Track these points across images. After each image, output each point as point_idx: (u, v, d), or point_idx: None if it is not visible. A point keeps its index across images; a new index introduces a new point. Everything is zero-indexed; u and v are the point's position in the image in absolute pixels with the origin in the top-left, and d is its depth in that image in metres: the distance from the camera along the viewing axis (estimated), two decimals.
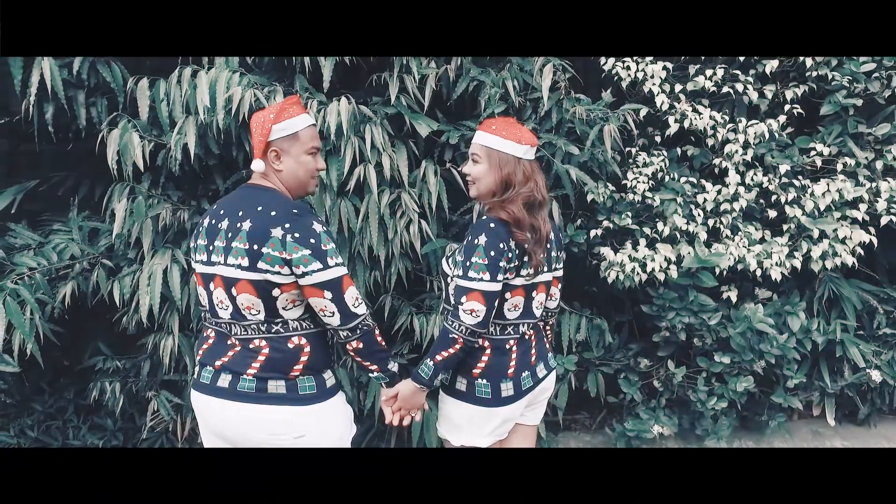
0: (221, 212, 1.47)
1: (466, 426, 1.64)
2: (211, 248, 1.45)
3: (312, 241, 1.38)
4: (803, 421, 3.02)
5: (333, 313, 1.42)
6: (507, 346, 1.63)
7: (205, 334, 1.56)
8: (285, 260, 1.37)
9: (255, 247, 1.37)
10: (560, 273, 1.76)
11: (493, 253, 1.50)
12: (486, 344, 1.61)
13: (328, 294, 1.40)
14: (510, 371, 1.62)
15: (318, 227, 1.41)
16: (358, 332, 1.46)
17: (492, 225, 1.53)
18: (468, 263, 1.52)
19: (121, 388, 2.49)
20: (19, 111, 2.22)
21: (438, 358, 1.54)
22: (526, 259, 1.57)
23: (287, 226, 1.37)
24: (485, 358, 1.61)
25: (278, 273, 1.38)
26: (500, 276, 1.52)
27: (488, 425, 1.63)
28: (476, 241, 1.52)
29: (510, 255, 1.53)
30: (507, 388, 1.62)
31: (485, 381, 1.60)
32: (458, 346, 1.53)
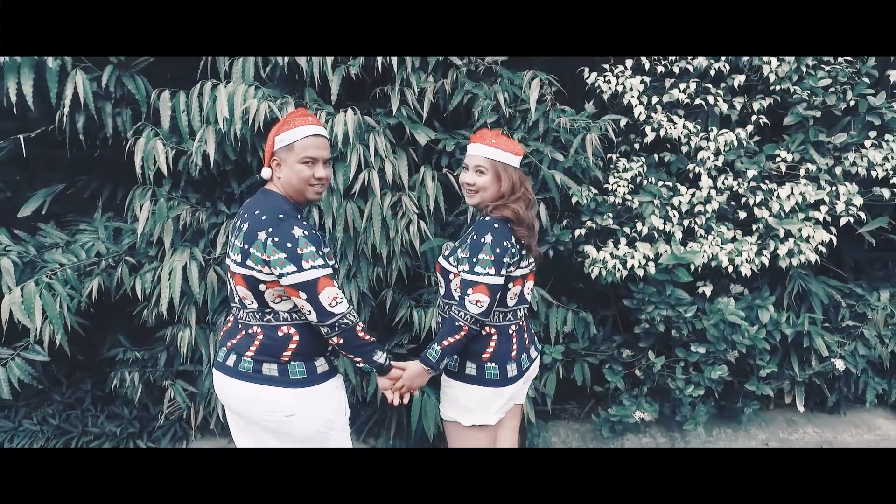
0: (240, 212, 1.66)
1: (478, 407, 1.80)
2: (228, 243, 1.66)
3: (289, 245, 1.48)
4: (777, 410, 3.18)
5: (310, 311, 1.52)
6: (510, 332, 1.82)
7: (227, 318, 1.75)
8: (265, 261, 1.50)
9: (246, 246, 1.52)
10: None
11: (498, 250, 1.68)
12: (493, 331, 1.80)
13: (303, 295, 1.50)
14: (513, 353, 1.81)
15: (298, 231, 1.50)
16: (336, 328, 1.54)
17: (496, 225, 1.71)
18: (475, 260, 1.69)
19: (139, 377, 2.65)
20: (42, 122, 2.40)
21: (445, 343, 1.71)
22: (524, 252, 1.77)
23: (270, 230, 1.49)
24: (492, 343, 1.79)
25: (261, 272, 1.52)
26: (503, 271, 1.70)
27: (496, 404, 1.81)
28: (482, 240, 1.69)
29: (513, 250, 1.73)
30: (511, 369, 1.81)
31: (493, 364, 1.78)
32: (462, 333, 1.70)
